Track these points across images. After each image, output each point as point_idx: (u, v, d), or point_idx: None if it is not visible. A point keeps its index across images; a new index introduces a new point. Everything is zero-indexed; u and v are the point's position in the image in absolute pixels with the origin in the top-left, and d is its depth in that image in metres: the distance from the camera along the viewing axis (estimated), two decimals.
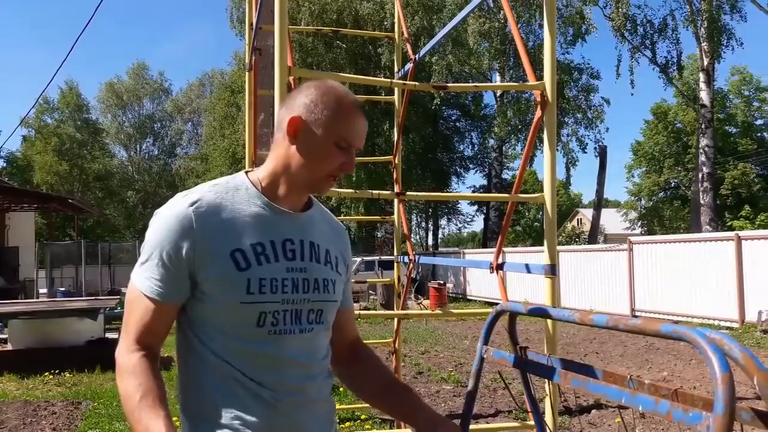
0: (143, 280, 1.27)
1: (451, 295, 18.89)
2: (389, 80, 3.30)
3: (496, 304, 1.94)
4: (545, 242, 2.58)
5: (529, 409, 1.76)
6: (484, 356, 1.80)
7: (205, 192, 1.31)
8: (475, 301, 19.87)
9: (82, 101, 47.59)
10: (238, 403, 1.26)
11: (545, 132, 2.91)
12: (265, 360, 1.28)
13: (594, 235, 26.04)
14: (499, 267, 2.81)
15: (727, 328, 11.19)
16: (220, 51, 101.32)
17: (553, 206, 2.58)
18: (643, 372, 7.52)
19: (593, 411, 5.74)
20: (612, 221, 43.58)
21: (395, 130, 5.49)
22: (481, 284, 19.90)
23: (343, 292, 1.47)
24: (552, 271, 2.43)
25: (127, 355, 1.25)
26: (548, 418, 2.12)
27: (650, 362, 8.19)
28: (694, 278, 12.22)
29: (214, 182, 1.36)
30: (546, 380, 2.07)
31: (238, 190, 1.34)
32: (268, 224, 1.33)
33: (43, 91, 37.68)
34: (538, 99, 2.88)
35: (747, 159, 36.29)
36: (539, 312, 1.59)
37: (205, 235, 1.26)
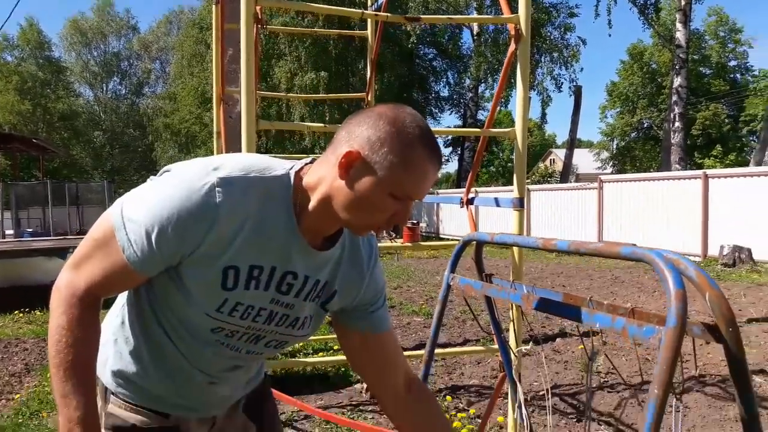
0: (125, 237, 1.08)
1: (424, 234, 19.14)
2: (360, 11, 3.21)
3: None
4: (515, 176, 2.60)
5: (491, 332, 1.81)
6: (451, 284, 1.84)
7: (242, 191, 1.08)
8: (448, 239, 20.21)
9: (43, 38, 45.52)
10: (170, 376, 1.26)
11: (518, 66, 2.88)
12: (209, 356, 1.25)
13: (566, 174, 26.33)
14: (470, 202, 2.83)
15: None
16: None
17: (523, 139, 2.59)
18: (607, 301, 7.76)
19: (558, 339, 5.97)
20: (584, 161, 44.04)
21: (368, 66, 5.39)
22: (453, 223, 20.19)
23: (377, 315, 1.33)
24: (520, 203, 2.47)
25: (75, 299, 1.11)
26: (512, 342, 2.19)
27: (615, 294, 8.47)
28: (662, 215, 12.53)
29: (260, 175, 1.11)
30: (510, 307, 2.13)
31: (274, 198, 1.12)
32: (281, 249, 1.14)
33: (1, 28, 35.94)
34: (513, 33, 2.84)
35: (719, 100, 36.65)
36: (505, 240, 1.62)
37: (215, 242, 1.08)
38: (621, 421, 4.19)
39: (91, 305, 1.13)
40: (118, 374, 1.29)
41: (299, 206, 1.14)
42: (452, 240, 20.01)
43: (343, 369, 5.43)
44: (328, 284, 1.24)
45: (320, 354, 5.75)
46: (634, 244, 1.18)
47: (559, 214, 15.80)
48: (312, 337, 3.67)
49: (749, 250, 10.70)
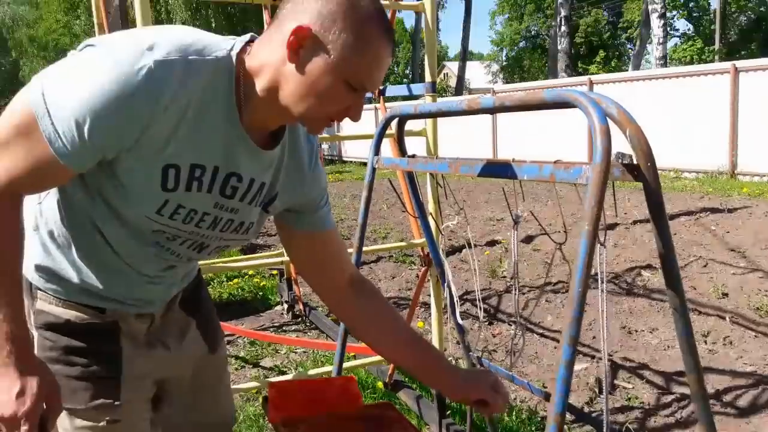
0: (50, 128, 0.93)
1: (327, 157, 18.94)
2: None
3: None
4: (425, 59, 2.52)
5: (415, 215, 1.84)
6: (376, 166, 1.83)
7: (182, 77, 0.94)
8: (351, 162, 20.06)
9: None
10: (102, 272, 1.16)
11: None
12: (146, 257, 1.16)
13: (459, 88, 26.78)
14: (380, 93, 2.78)
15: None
16: None
17: (433, 14, 2.47)
18: (506, 215, 8.07)
19: (464, 250, 6.12)
20: (477, 75, 44.79)
21: None
22: (356, 144, 20.02)
23: (321, 214, 1.28)
24: (432, 88, 2.44)
25: None
26: (433, 224, 2.22)
27: (510, 205, 8.84)
28: (550, 123, 13.04)
29: (200, 57, 0.97)
30: (429, 186, 2.14)
31: (215, 87, 0.99)
32: (223, 147, 1.04)
33: None
34: None
35: (599, 4, 37.76)
36: (428, 111, 1.61)
37: (154, 135, 0.96)
38: (528, 320, 4.47)
39: (13, 205, 1.01)
40: (43, 269, 1.17)
41: (243, 96, 1.02)
42: (356, 162, 19.91)
43: (260, 293, 5.39)
44: (270, 186, 1.17)
45: (235, 281, 5.66)
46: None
47: (456, 129, 16.10)
48: (225, 261, 3.55)
49: (631, 156, 11.42)
